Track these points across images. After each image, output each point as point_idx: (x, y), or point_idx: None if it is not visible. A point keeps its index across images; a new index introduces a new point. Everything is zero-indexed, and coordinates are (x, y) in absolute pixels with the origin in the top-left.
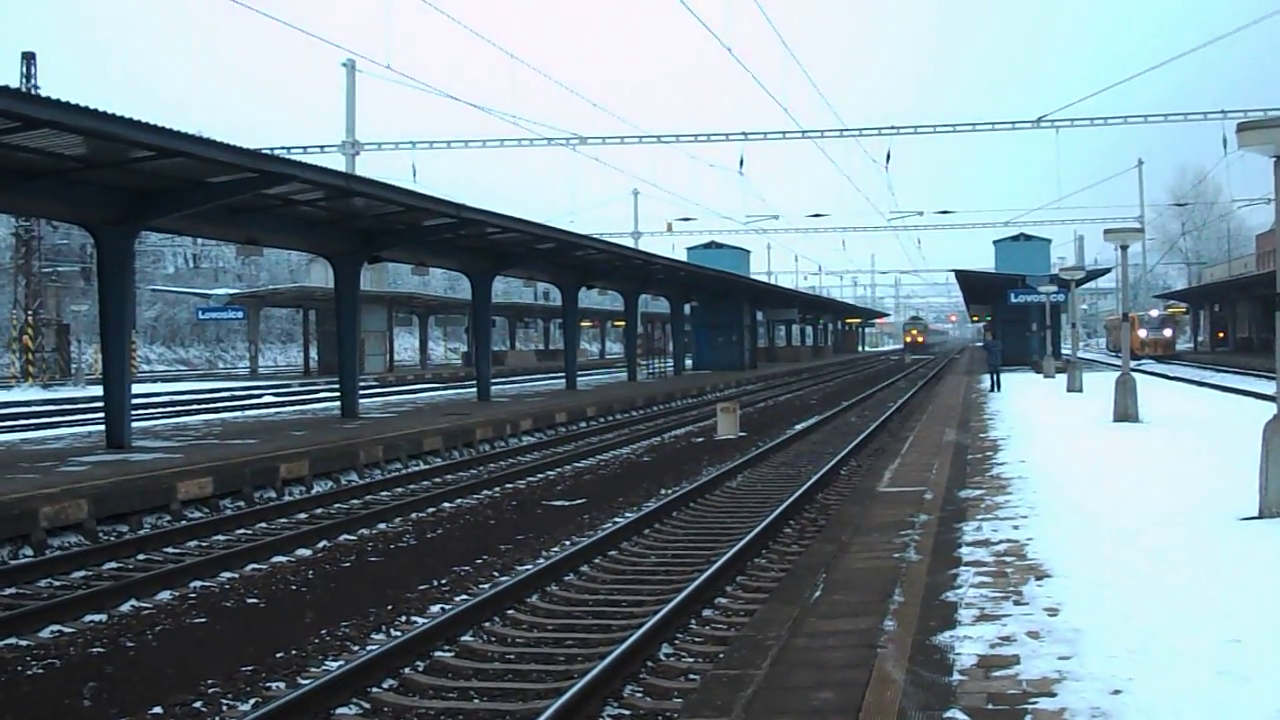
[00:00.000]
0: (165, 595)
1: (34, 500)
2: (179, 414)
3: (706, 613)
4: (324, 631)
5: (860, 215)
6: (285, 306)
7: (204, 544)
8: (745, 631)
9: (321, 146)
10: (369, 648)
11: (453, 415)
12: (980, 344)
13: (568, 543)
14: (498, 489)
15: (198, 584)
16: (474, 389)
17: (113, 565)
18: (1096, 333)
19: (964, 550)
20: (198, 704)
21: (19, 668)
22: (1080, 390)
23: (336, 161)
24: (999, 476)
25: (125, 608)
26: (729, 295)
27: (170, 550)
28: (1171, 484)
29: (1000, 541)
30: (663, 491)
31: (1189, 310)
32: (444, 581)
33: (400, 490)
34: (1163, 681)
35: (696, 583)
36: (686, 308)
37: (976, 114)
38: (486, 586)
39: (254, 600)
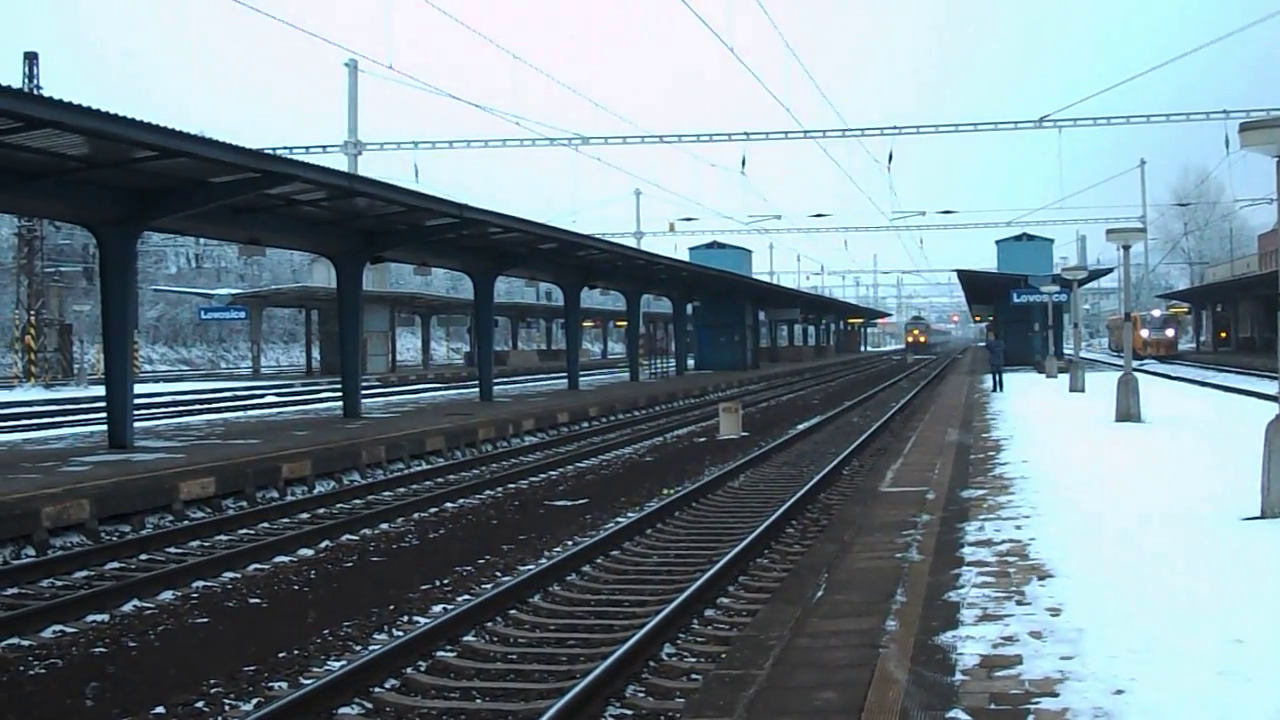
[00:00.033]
0: (168, 595)
1: (36, 500)
2: (181, 414)
3: (709, 613)
4: (326, 631)
5: (862, 215)
6: (288, 306)
7: (206, 544)
8: (747, 631)
9: (324, 146)
10: (371, 647)
11: (455, 415)
12: (983, 344)
13: (570, 542)
14: (500, 489)
15: (200, 584)
16: (476, 389)
17: (115, 565)
18: (1099, 333)
19: (966, 550)
20: (200, 704)
21: (21, 668)
22: (1082, 390)
23: (338, 162)
24: (1001, 476)
25: (127, 608)
26: (731, 295)
27: (172, 550)
28: (1174, 484)
29: (1003, 541)
30: (665, 491)
31: (1191, 310)
32: (446, 581)
33: (403, 490)
34: (1165, 681)
35: (699, 583)
36: (689, 308)
37: (979, 114)
38: (489, 586)
39: (256, 600)
